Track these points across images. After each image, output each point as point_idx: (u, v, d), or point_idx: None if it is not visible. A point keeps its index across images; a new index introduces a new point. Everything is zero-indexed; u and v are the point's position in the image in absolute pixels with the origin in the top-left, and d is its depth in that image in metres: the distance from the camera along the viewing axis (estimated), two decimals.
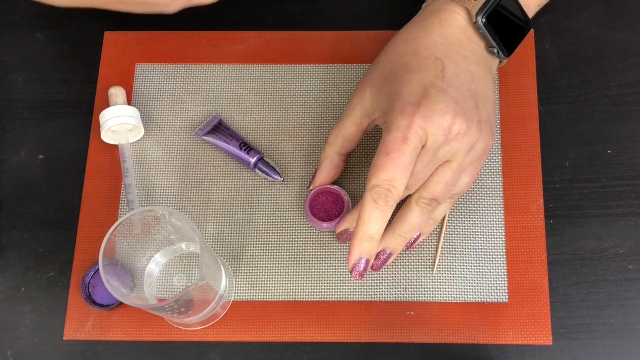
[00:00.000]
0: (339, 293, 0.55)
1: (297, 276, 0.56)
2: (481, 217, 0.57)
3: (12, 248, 0.57)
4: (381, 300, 0.55)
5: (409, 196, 0.50)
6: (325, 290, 0.55)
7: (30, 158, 0.60)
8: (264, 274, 0.56)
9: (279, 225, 0.57)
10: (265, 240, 0.57)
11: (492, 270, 0.55)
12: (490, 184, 0.57)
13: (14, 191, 0.59)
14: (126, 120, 0.57)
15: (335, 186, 0.56)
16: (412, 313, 0.54)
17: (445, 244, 0.56)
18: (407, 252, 0.56)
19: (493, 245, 0.56)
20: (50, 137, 0.60)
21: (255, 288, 0.56)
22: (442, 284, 0.55)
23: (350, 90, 0.61)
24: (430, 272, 0.55)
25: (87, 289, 0.55)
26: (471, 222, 0.56)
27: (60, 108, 0.61)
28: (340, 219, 0.55)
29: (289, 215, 0.57)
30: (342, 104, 0.60)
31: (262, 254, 0.57)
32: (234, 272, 0.56)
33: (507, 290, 0.55)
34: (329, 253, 0.56)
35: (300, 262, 0.56)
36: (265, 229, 0.57)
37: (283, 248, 0.57)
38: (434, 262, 0.56)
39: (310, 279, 0.56)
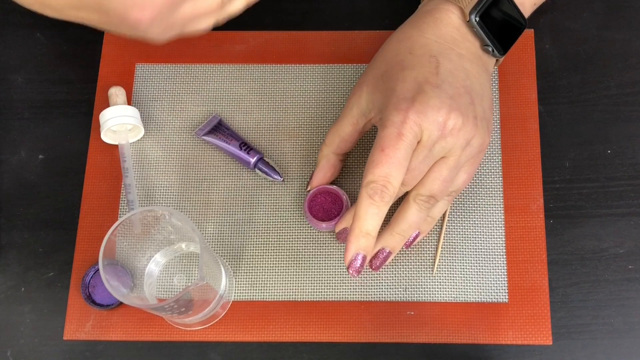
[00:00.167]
0: (339, 293, 0.55)
1: (297, 276, 0.56)
2: (481, 217, 0.57)
3: (12, 248, 0.57)
4: (381, 300, 0.55)
5: (406, 194, 0.50)
6: (325, 290, 0.55)
7: (30, 158, 0.60)
8: (264, 274, 0.56)
9: (279, 225, 0.57)
10: (265, 240, 0.57)
11: (492, 270, 0.55)
12: (490, 184, 0.57)
13: (14, 191, 0.59)
14: (126, 120, 0.57)
15: (334, 186, 0.56)
16: (412, 313, 0.54)
17: (445, 244, 0.56)
18: (407, 252, 0.56)
19: (493, 245, 0.56)
20: (50, 137, 0.60)
21: (255, 288, 0.56)
22: (442, 284, 0.55)
23: (350, 91, 0.60)
24: (430, 272, 0.55)
25: (87, 289, 0.55)
26: (471, 222, 0.56)
27: (60, 108, 0.61)
28: (339, 218, 0.55)
29: (289, 215, 0.57)
30: (342, 104, 0.60)
31: (262, 254, 0.57)
32: (234, 272, 0.56)
33: (507, 290, 0.55)
34: (328, 253, 0.56)
35: (300, 262, 0.56)
36: (265, 229, 0.57)
37: (283, 248, 0.57)
38: (434, 262, 0.56)
39: (310, 279, 0.56)
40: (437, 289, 0.55)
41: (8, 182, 0.59)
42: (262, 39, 0.63)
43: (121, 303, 0.55)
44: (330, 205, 0.56)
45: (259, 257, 0.56)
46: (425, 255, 0.56)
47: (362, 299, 0.55)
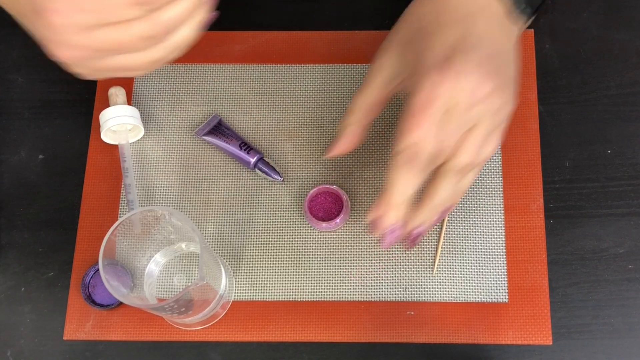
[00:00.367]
0: (339, 293, 0.55)
1: (297, 276, 0.56)
2: (481, 217, 0.57)
3: (12, 248, 0.57)
4: (381, 300, 0.55)
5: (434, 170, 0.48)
6: (325, 290, 0.55)
7: (30, 158, 0.60)
8: (264, 274, 0.56)
9: (279, 225, 0.57)
10: (265, 240, 0.57)
11: (492, 270, 0.55)
12: (490, 184, 0.57)
13: (14, 191, 0.59)
14: (126, 120, 0.57)
15: (334, 186, 0.56)
16: (412, 313, 0.54)
17: (445, 244, 0.56)
18: (407, 252, 0.56)
19: (493, 245, 0.56)
20: (50, 137, 0.60)
21: (255, 288, 0.56)
22: (442, 284, 0.55)
23: (350, 90, 0.61)
24: (430, 272, 0.55)
25: (87, 289, 0.55)
26: (471, 222, 0.56)
27: (60, 108, 0.61)
28: (339, 219, 0.55)
29: (289, 215, 0.57)
30: (342, 104, 0.60)
31: (262, 254, 0.57)
32: (234, 272, 0.56)
33: (507, 290, 0.55)
34: (329, 253, 0.56)
35: (300, 262, 0.56)
36: (265, 229, 0.57)
37: (283, 248, 0.57)
38: (434, 262, 0.56)
39: (310, 279, 0.56)
40: (437, 289, 0.55)
41: (8, 182, 0.59)
42: (262, 39, 0.63)
43: (121, 303, 0.55)
44: (330, 205, 0.56)
45: (259, 257, 0.56)
46: (425, 255, 0.56)
47: (362, 299, 0.55)
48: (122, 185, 0.59)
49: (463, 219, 0.57)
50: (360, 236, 0.56)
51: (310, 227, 0.57)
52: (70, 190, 0.59)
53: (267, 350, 0.54)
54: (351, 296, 0.55)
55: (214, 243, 0.57)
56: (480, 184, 0.57)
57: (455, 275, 0.55)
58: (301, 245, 0.57)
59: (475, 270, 0.55)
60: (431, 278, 0.55)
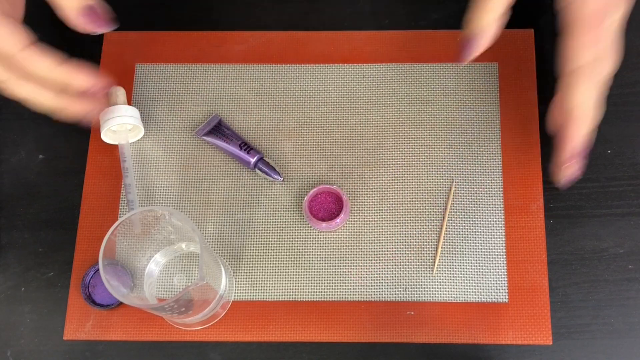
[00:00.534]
0: (339, 293, 0.55)
1: (297, 276, 0.56)
2: (481, 217, 0.57)
3: (12, 248, 0.57)
4: (381, 300, 0.55)
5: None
6: (325, 290, 0.55)
7: (30, 158, 0.60)
8: (264, 274, 0.56)
9: (279, 225, 0.57)
10: (265, 240, 0.57)
11: (492, 270, 0.55)
12: (490, 184, 0.57)
13: (14, 191, 0.59)
14: (126, 120, 0.57)
15: (334, 186, 0.56)
16: (412, 313, 0.54)
17: (445, 244, 0.56)
18: (407, 252, 0.56)
19: (493, 245, 0.56)
20: (50, 137, 0.60)
21: (255, 288, 0.56)
22: (442, 284, 0.55)
23: (350, 91, 0.61)
24: (430, 272, 0.55)
25: (87, 289, 0.55)
26: (471, 222, 0.56)
27: None
28: (339, 219, 0.55)
29: (289, 215, 0.57)
30: (342, 104, 0.60)
31: (262, 254, 0.57)
32: (234, 272, 0.56)
33: (507, 290, 0.55)
34: (329, 253, 0.56)
35: (300, 262, 0.56)
36: (265, 229, 0.57)
37: (283, 248, 0.57)
38: (434, 262, 0.56)
39: (310, 279, 0.56)
40: (437, 289, 0.55)
41: (8, 182, 0.59)
42: (262, 39, 0.63)
43: (121, 303, 0.55)
44: (331, 205, 0.56)
45: (259, 257, 0.56)
46: (425, 255, 0.56)
47: (362, 299, 0.55)
48: (122, 185, 0.59)
49: (463, 219, 0.57)
50: (360, 236, 0.57)
51: (310, 227, 0.57)
52: (70, 190, 0.59)
53: (267, 350, 0.54)
54: (351, 296, 0.55)
55: (214, 243, 0.57)
56: (480, 184, 0.57)
57: (455, 275, 0.55)
58: (301, 245, 0.57)
59: (475, 270, 0.55)
60: (431, 278, 0.55)
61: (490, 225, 0.56)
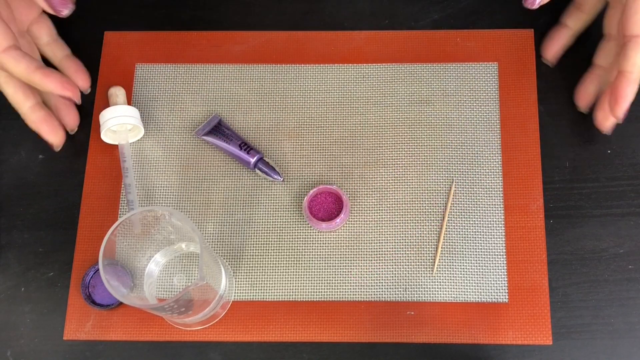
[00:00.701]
0: (339, 293, 0.55)
1: (297, 276, 0.56)
2: (481, 217, 0.57)
3: (12, 248, 0.57)
4: (381, 300, 0.55)
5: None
6: (325, 290, 0.55)
7: (30, 158, 0.60)
8: (264, 274, 0.56)
9: (278, 225, 0.57)
10: (265, 240, 0.57)
11: (492, 270, 0.55)
12: (490, 184, 0.57)
13: (14, 191, 0.59)
14: (126, 120, 0.57)
15: (334, 186, 0.56)
16: (412, 313, 0.54)
17: (445, 244, 0.56)
18: (407, 252, 0.56)
19: (493, 245, 0.56)
20: None
21: (255, 288, 0.56)
22: (442, 284, 0.55)
23: (350, 91, 0.61)
24: (430, 272, 0.55)
25: (87, 289, 0.55)
26: (471, 222, 0.56)
27: None
28: (339, 219, 0.55)
29: (289, 215, 0.57)
30: (342, 104, 0.60)
31: (262, 254, 0.57)
32: (234, 272, 0.56)
33: (507, 290, 0.55)
34: (329, 253, 0.56)
35: (300, 262, 0.56)
36: (265, 229, 0.57)
37: (283, 248, 0.57)
38: (434, 262, 0.56)
39: (310, 279, 0.56)
40: (437, 289, 0.55)
41: (8, 182, 0.59)
42: (262, 39, 0.63)
43: (121, 303, 0.55)
44: (331, 205, 0.56)
45: (259, 257, 0.56)
46: (425, 255, 0.56)
47: (362, 299, 0.55)
48: (122, 185, 0.59)
49: (463, 219, 0.57)
50: (360, 236, 0.57)
51: (310, 227, 0.57)
52: (70, 190, 0.59)
53: (267, 350, 0.54)
54: (351, 296, 0.55)
55: (214, 243, 0.57)
56: (480, 184, 0.57)
57: (455, 275, 0.55)
58: (301, 245, 0.57)
59: (475, 270, 0.55)
60: (431, 278, 0.55)
61: (490, 225, 0.56)
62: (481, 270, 0.55)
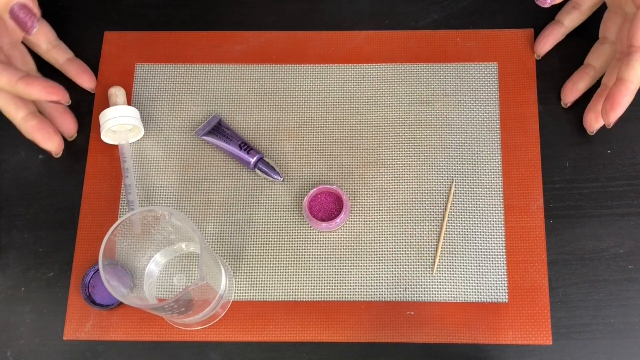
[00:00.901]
0: (339, 293, 0.55)
1: (297, 276, 0.56)
2: (481, 217, 0.57)
3: (12, 248, 0.57)
4: (381, 300, 0.55)
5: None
6: (325, 290, 0.55)
7: (30, 158, 0.60)
8: (264, 274, 0.56)
9: (278, 225, 0.57)
10: (265, 240, 0.57)
11: (492, 270, 0.55)
12: (490, 184, 0.57)
13: (14, 191, 0.59)
14: (126, 121, 0.57)
15: (334, 186, 0.56)
16: (412, 313, 0.54)
17: (445, 244, 0.56)
18: (407, 252, 0.56)
19: (493, 245, 0.56)
20: None
21: (255, 288, 0.56)
22: (442, 284, 0.55)
23: (350, 91, 0.61)
24: (430, 272, 0.55)
25: (87, 289, 0.55)
26: (471, 222, 0.56)
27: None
28: (339, 219, 0.55)
29: (289, 215, 0.57)
30: (342, 104, 0.60)
31: (262, 254, 0.57)
32: (234, 272, 0.56)
33: (507, 290, 0.55)
34: (329, 253, 0.56)
35: (300, 262, 0.56)
36: (265, 229, 0.57)
37: (283, 248, 0.57)
38: (434, 262, 0.56)
39: (310, 279, 0.56)
40: (437, 289, 0.55)
41: (8, 182, 0.59)
42: (262, 39, 0.63)
43: (121, 303, 0.55)
44: (331, 205, 0.56)
45: (259, 257, 0.56)
46: (425, 255, 0.56)
47: (362, 299, 0.55)
48: (122, 186, 0.59)
49: (463, 219, 0.57)
50: (360, 236, 0.57)
51: (310, 227, 0.57)
52: (70, 190, 0.59)
53: (267, 350, 0.54)
54: (351, 296, 0.55)
55: (214, 243, 0.57)
56: (480, 184, 0.57)
57: (455, 275, 0.55)
58: (301, 245, 0.57)
59: (475, 270, 0.55)
60: (431, 278, 0.55)
61: (490, 225, 0.56)
62: (481, 270, 0.55)
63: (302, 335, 0.54)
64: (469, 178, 0.58)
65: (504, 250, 0.56)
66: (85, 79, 0.60)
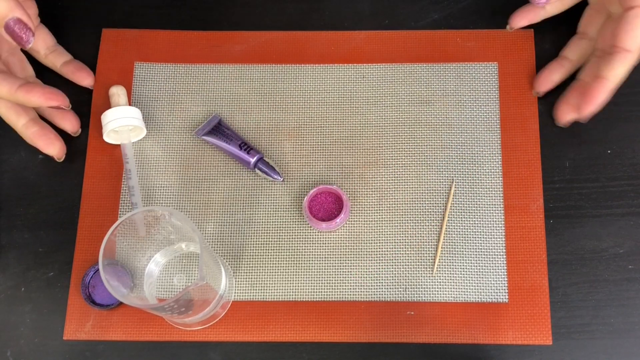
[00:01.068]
0: (339, 293, 0.55)
1: (297, 276, 0.56)
2: (481, 217, 0.57)
3: (12, 248, 0.57)
4: (381, 300, 0.55)
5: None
6: (325, 290, 0.55)
7: (30, 158, 0.60)
8: (264, 274, 0.56)
9: (278, 225, 0.57)
10: (265, 240, 0.57)
11: (492, 270, 0.55)
12: (490, 184, 0.57)
13: (14, 191, 0.59)
14: (130, 122, 0.57)
15: (334, 186, 0.56)
16: (412, 313, 0.54)
17: (445, 244, 0.56)
18: (407, 252, 0.56)
19: (493, 245, 0.56)
20: None
21: (255, 288, 0.56)
22: (442, 284, 0.55)
23: (350, 91, 0.61)
24: (430, 272, 0.55)
25: (87, 289, 0.55)
26: (471, 222, 0.56)
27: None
28: (339, 219, 0.55)
29: (289, 215, 0.57)
30: (342, 104, 0.60)
31: (262, 254, 0.57)
32: (234, 272, 0.56)
33: (507, 290, 0.55)
34: (329, 253, 0.56)
35: (300, 262, 0.56)
36: (265, 229, 0.57)
37: (283, 248, 0.57)
38: (434, 262, 0.56)
39: (310, 279, 0.56)
40: (437, 289, 0.55)
41: (8, 182, 0.59)
42: (262, 39, 0.63)
43: (121, 303, 0.55)
44: (331, 205, 0.56)
45: (259, 257, 0.56)
46: (425, 255, 0.56)
47: (362, 299, 0.55)
48: (123, 186, 0.59)
49: (463, 219, 0.57)
50: (360, 236, 0.57)
51: (310, 227, 0.57)
52: (70, 190, 0.59)
53: (267, 350, 0.54)
54: (351, 296, 0.55)
55: (214, 243, 0.57)
56: (480, 184, 0.57)
57: (455, 275, 0.55)
58: (301, 245, 0.57)
59: (475, 270, 0.55)
60: (431, 278, 0.55)
61: (490, 225, 0.56)
62: (481, 270, 0.55)
63: (302, 335, 0.54)
64: (469, 178, 0.58)
65: (504, 250, 0.56)
66: (82, 76, 0.60)
